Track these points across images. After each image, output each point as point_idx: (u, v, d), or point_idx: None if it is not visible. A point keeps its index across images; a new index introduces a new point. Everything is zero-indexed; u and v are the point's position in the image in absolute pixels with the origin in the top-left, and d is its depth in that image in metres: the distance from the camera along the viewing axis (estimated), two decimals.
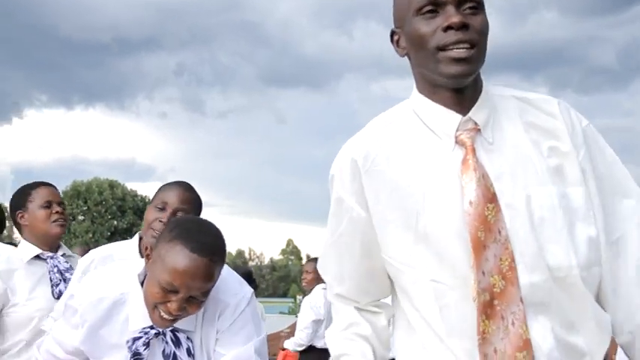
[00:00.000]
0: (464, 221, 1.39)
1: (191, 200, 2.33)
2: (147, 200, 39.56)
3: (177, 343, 1.95)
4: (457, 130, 1.46)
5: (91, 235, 36.51)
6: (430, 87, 1.49)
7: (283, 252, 72.60)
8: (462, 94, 1.47)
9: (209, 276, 1.84)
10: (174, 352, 1.94)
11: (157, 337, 1.94)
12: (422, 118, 1.50)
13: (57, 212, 2.95)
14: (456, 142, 1.46)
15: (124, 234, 36.77)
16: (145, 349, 1.93)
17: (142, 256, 2.26)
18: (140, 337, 1.92)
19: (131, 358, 1.93)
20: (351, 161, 1.52)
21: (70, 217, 35.49)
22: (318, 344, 5.97)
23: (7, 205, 3.20)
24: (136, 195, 40.47)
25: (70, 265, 2.96)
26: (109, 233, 37.28)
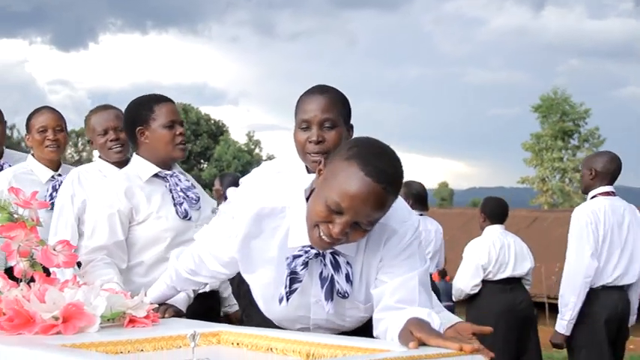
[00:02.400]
0: None
1: (332, 107, 2.23)
2: (220, 124, 40.16)
3: (336, 266, 1.87)
4: None
5: None
6: None
7: None
8: None
9: (380, 204, 1.71)
10: (331, 276, 1.87)
11: (316, 257, 1.87)
12: None
13: (180, 134, 2.84)
14: None
15: (199, 157, 37.56)
16: (302, 269, 1.86)
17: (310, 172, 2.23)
18: (300, 256, 1.86)
19: (288, 276, 1.88)
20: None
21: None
22: None
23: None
24: (209, 119, 40.22)
25: (192, 184, 2.89)
26: None
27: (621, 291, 4.19)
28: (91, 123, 3.22)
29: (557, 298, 4.27)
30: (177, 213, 2.78)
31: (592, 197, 4.23)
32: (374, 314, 1.89)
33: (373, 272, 1.90)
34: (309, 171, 2.27)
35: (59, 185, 3.29)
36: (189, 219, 2.80)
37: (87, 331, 1.82)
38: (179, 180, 2.86)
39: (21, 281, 2.08)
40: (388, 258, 1.88)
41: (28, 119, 3.44)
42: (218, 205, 3.21)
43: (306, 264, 1.86)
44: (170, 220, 2.77)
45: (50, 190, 3.33)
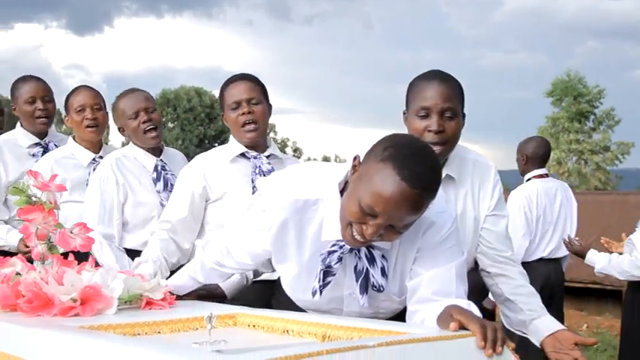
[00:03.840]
0: None
1: (453, 96, 2.17)
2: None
3: (371, 260, 1.83)
4: None
5: (180, 142, 36.73)
6: None
7: None
8: None
9: (416, 209, 1.66)
10: (366, 270, 1.83)
11: (350, 252, 1.85)
12: None
13: (244, 113, 2.75)
14: None
15: (213, 141, 37.59)
16: (336, 263, 1.83)
17: None
18: (334, 252, 1.83)
19: (322, 270, 1.85)
20: None
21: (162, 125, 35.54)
22: None
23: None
24: None
25: (273, 167, 2.76)
26: (197, 140, 37.71)
27: (556, 263, 4.76)
28: (120, 107, 3.08)
29: None
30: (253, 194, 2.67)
31: (527, 180, 4.77)
32: (408, 306, 1.88)
33: (409, 264, 1.88)
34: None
35: None
36: None
37: (104, 313, 1.84)
38: (262, 163, 2.79)
39: (40, 263, 2.10)
40: (426, 249, 1.85)
41: (66, 100, 3.35)
42: None
43: (340, 259, 1.84)
44: (244, 201, 2.65)
45: (92, 173, 3.21)
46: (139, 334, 1.70)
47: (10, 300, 1.90)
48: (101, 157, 3.27)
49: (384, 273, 1.84)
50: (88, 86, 3.43)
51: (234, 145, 2.81)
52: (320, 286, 1.86)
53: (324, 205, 1.86)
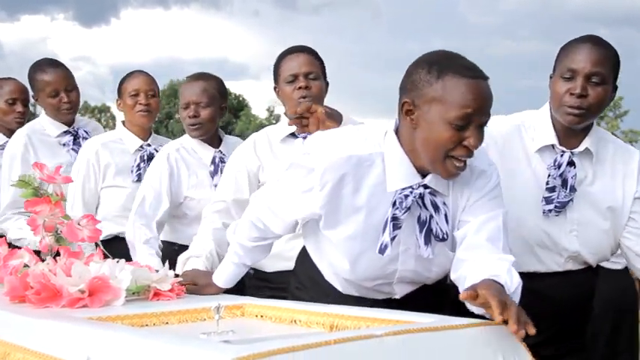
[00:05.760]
0: None
1: (604, 62, 2.09)
2: (241, 98, 39.84)
3: (435, 207, 1.85)
4: None
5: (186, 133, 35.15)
6: None
7: None
8: None
9: (490, 93, 1.78)
10: (430, 218, 1.85)
11: (418, 198, 1.84)
12: None
13: (300, 87, 2.58)
14: None
15: None
16: (403, 214, 1.83)
17: None
18: (407, 196, 1.82)
19: (390, 221, 1.84)
20: None
21: (168, 117, 37.29)
22: None
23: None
24: (230, 94, 38.33)
25: None
26: None
27: None
28: (180, 92, 3.08)
29: None
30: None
31: None
32: (457, 254, 1.87)
33: (459, 213, 1.89)
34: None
35: (147, 156, 3.19)
36: None
37: (112, 304, 1.84)
38: None
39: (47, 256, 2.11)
40: (475, 198, 1.88)
41: (121, 83, 3.30)
42: None
43: (408, 208, 1.83)
44: None
45: (138, 161, 3.20)
46: (146, 325, 1.70)
47: (19, 291, 1.91)
48: (149, 145, 3.25)
49: (447, 220, 1.86)
50: (144, 71, 3.36)
51: (285, 124, 2.61)
52: (390, 240, 1.85)
53: (382, 159, 1.86)
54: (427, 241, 1.86)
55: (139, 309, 1.76)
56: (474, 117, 1.73)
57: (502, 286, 1.64)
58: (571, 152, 2.16)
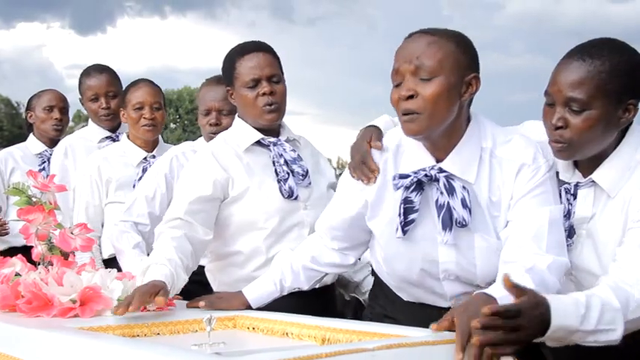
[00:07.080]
0: None
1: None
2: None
3: (450, 191, 1.81)
4: None
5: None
6: None
7: None
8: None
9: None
10: (447, 203, 1.81)
11: (429, 182, 1.83)
12: None
13: (265, 94, 2.30)
14: None
15: None
16: (416, 195, 1.83)
17: None
18: (408, 176, 1.83)
19: (401, 204, 1.84)
20: None
21: (164, 127, 35.96)
22: None
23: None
24: None
25: (299, 155, 2.36)
26: None
27: None
28: (199, 97, 2.92)
29: None
30: (280, 192, 2.29)
31: None
32: (500, 256, 1.81)
33: (504, 207, 1.83)
34: None
35: (150, 167, 2.99)
36: (296, 198, 2.31)
37: (104, 314, 1.83)
38: (284, 150, 2.34)
39: (39, 264, 2.10)
40: (518, 195, 1.81)
41: (125, 93, 3.11)
42: None
43: (418, 190, 1.83)
44: (271, 201, 2.29)
45: (140, 174, 3.00)
46: (138, 335, 1.70)
47: (10, 300, 1.90)
48: (153, 157, 3.07)
49: (465, 205, 1.80)
50: (149, 81, 3.15)
51: (246, 132, 2.35)
52: (401, 223, 1.85)
53: (405, 142, 1.91)
54: (445, 226, 1.83)
55: (130, 319, 1.75)
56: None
57: (495, 298, 1.56)
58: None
